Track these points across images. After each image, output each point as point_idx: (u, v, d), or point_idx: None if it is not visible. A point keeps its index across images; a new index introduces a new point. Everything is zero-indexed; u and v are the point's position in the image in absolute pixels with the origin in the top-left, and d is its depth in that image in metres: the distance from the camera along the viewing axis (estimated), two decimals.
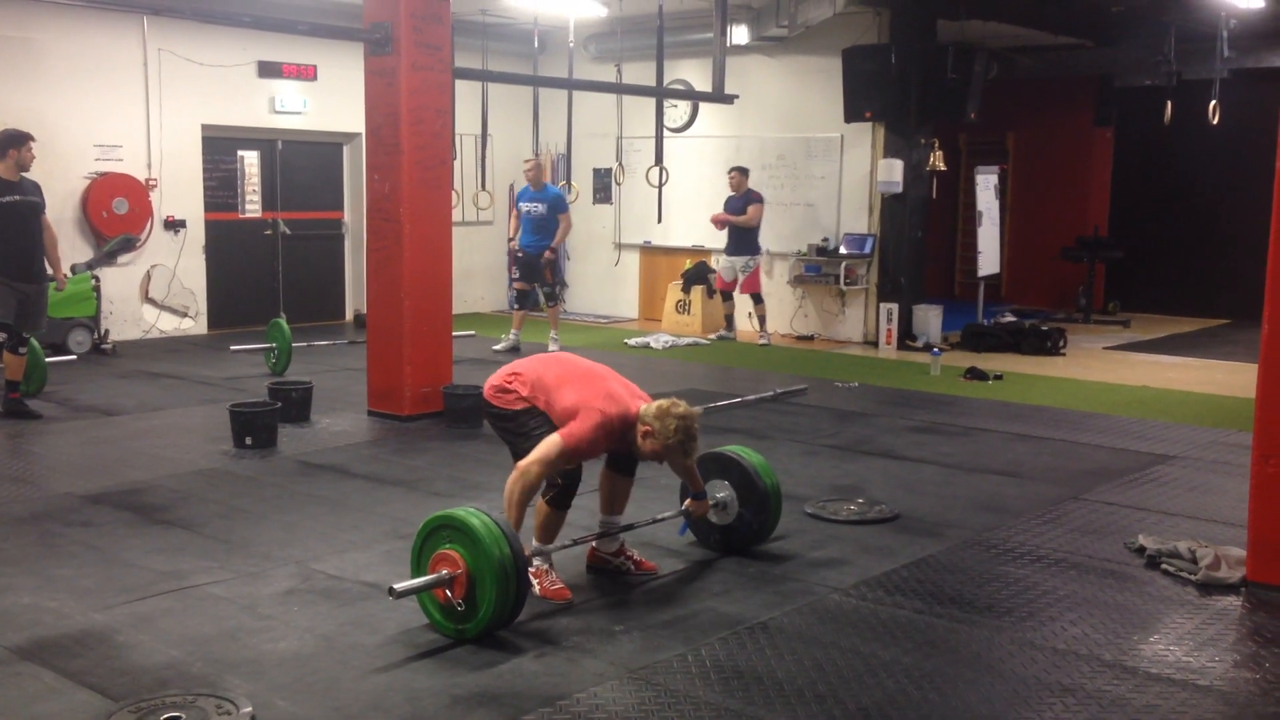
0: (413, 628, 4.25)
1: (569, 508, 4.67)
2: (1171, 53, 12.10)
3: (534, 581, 4.55)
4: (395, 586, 4.05)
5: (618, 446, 4.63)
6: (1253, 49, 12.21)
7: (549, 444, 4.42)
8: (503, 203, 14.00)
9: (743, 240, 12.19)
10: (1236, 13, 11.10)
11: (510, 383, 4.70)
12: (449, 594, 4.07)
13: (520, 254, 11.25)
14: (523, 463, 4.45)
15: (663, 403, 4.49)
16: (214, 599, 4.52)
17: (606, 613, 4.45)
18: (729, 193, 12.47)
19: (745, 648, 4.10)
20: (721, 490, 5.16)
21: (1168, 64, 12.15)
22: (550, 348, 10.95)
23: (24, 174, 7.66)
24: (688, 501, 5.06)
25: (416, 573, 4.24)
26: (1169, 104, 12.02)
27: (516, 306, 11.43)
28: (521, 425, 4.63)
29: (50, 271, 7.96)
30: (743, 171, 12.27)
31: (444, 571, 4.09)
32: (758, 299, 12.27)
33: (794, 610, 4.48)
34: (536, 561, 4.58)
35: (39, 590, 4.59)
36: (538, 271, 11.29)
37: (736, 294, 12.46)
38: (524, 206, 11.09)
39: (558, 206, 11.19)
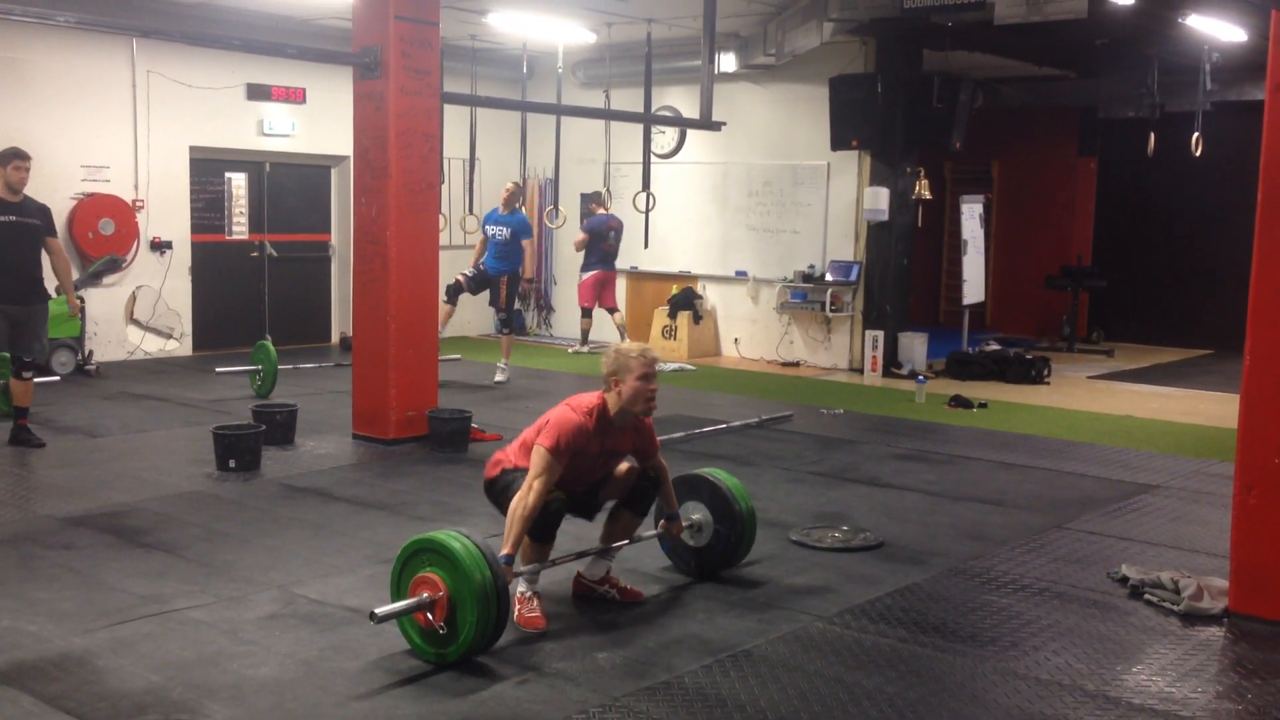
0: (394, 654, 4.23)
1: (551, 541, 4.62)
2: (1154, 85, 12.23)
3: (515, 608, 4.54)
4: (376, 611, 4.03)
5: (607, 441, 4.60)
6: (1235, 82, 12.34)
7: (535, 455, 4.44)
8: None
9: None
10: (1219, 46, 11.22)
11: (505, 458, 4.76)
12: (430, 617, 4.05)
13: (481, 267, 11.05)
14: (523, 484, 4.44)
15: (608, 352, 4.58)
16: (195, 623, 4.49)
17: (589, 639, 4.43)
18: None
19: (728, 675, 4.09)
20: (696, 512, 5.15)
21: (1151, 96, 12.28)
22: (497, 376, 10.86)
23: (27, 195, 7.56)
24: (661, 523, 5.05)
25: (397, 596, 4.22)
26: (1152, 135, 12.13)
27: (457, 293, 11.18)
28: (503, 480, 4.67)
29: (57, 293, 7.88)
30: (591, 197, 12.62)
31: (424, 595, 4.07)
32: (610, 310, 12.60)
33: (777, 638, 4.47)
34: (521, 587, 4.57)
35: (18, 613, 4.55)
36: (494, 291, 11.13)
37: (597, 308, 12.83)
38: (489, 229, 10.96)
39: (521, 233, 11.05)
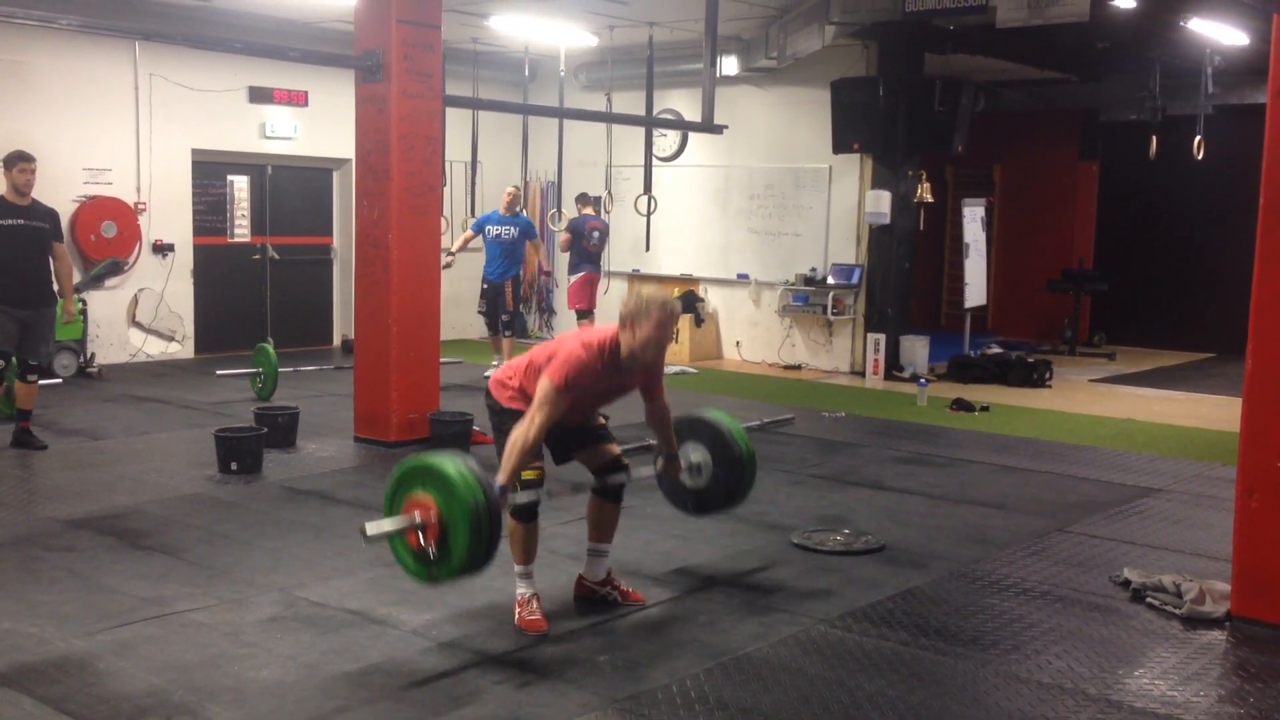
0: (396, 657, 4.23)
1: (536, 519, 4.55)
2: (1156, 88, 12.23)
3: (516, 610, 4.55)
4: (366, 529, 3.98)
5: (615, 379, 4.54)
6: (1237, 85, 12.34)
7: (540, 387, 4.37)
8: None
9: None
10: (1220, 49, 11.22)
11: (511, 378, 4.67)
12: (421, 539, 4.01)
13: (485, 284, 11.09)
14: (525, 416, 4.37)
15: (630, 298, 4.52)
16: (196, 626, 4.49)
17: (591, 642, 4.43)
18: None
19: (730, 679, 4.09)
20: (696, 454, 5.09)
21: (1153, 99, 12.27)
22: (488, 373, 10.86)
23: (35, 199, 7.56)
24: (659, 462, 5.00)
25: (390, 516, 4.15)
26: (1154, 139, 12.12)
27: (497, 332, 11.27)
28: (508, 417, 4.58)
29: (62, 297, 7.89)
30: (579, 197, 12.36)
31: (416, 516, 4.02)
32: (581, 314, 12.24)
33: (779, 641, 4.47)
34: (520, 589, 4.57)
35: (19, 616, 4.55)
36: (500, 301, 11.14)
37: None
38: (493, 230, 10.94)
39: (529, 234, 11.11)
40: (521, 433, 4.30)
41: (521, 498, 4.41)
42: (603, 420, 4.85)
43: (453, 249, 10.86)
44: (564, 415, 4.48)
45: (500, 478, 4.20)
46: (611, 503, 4.83)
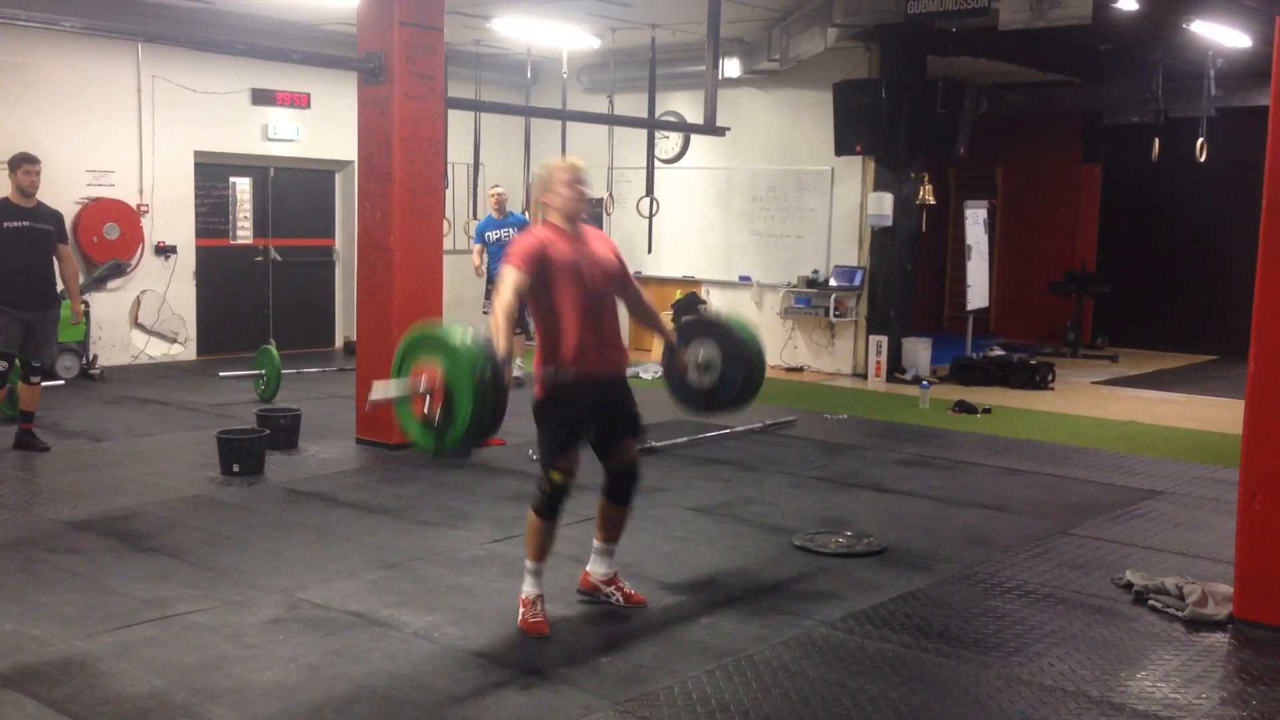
0: (398, 659, 4.23)
1: (558, 517, 4.57)
2: (1159, 91, 12.22)
3: (520, 610, 4.55)
4: (372, 391, 4.05)
5: (579, 246, 4.55)
6: (1239, 88, 12.33)
7: (501, 274, 4.48)
8: None
9: None
10: (1224, 52, 11.22)
11: None
12: (426, 405, 4.03)
13: (491, 284, 11.12)
14: (495, 292, 4.46)
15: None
16: (198, 628, 4.50)
17: (593, 644, 4.43)
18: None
19: (732, 681, 4.09)
20: (704, 351, 5.10)
21: (1155, 102, 12.27)
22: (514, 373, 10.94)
23: (40, 201, 7.57)
24: (665, 358, 5.05)
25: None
26: (1156, 141, 12.11)
27: (518, 332, 11.32)
28: (536, 409, 4.59)
29: (67, 298, 7.90)
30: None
31: (422, 382, 4.05)
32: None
33: (781, 643, 4.47)
34: (526, 589, 4.57)
35: (21, 617, 4.55)
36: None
37: None
38: (493, 235, 10.99)
39: (523, 230, 11.15)
40: (496, 301, 4.35)
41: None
42: (636, 411, 4.80)
43: (479, 266, 10.92)
44: (592, 290, 4.48)
45: (499, 350, 4.13)
46: (620, 505, 4.83)
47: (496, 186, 11.25)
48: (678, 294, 13.38)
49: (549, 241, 4.49)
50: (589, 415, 4.57)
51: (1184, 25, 10.24)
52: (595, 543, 4.88)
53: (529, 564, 4.58)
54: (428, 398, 4.03)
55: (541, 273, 4.45)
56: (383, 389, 4.10)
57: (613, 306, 4.69)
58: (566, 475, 4.50)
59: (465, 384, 3.97)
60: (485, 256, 11.10)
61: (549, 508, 4.54)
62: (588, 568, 4.92)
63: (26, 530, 5.79)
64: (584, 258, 4.56)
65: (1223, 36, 10.51)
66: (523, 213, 12.51)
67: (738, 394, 5.14)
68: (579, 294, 4.50)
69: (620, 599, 4.85)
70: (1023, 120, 14.99)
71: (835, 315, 12.29)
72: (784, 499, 6.81)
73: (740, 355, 5.08)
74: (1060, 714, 3.89)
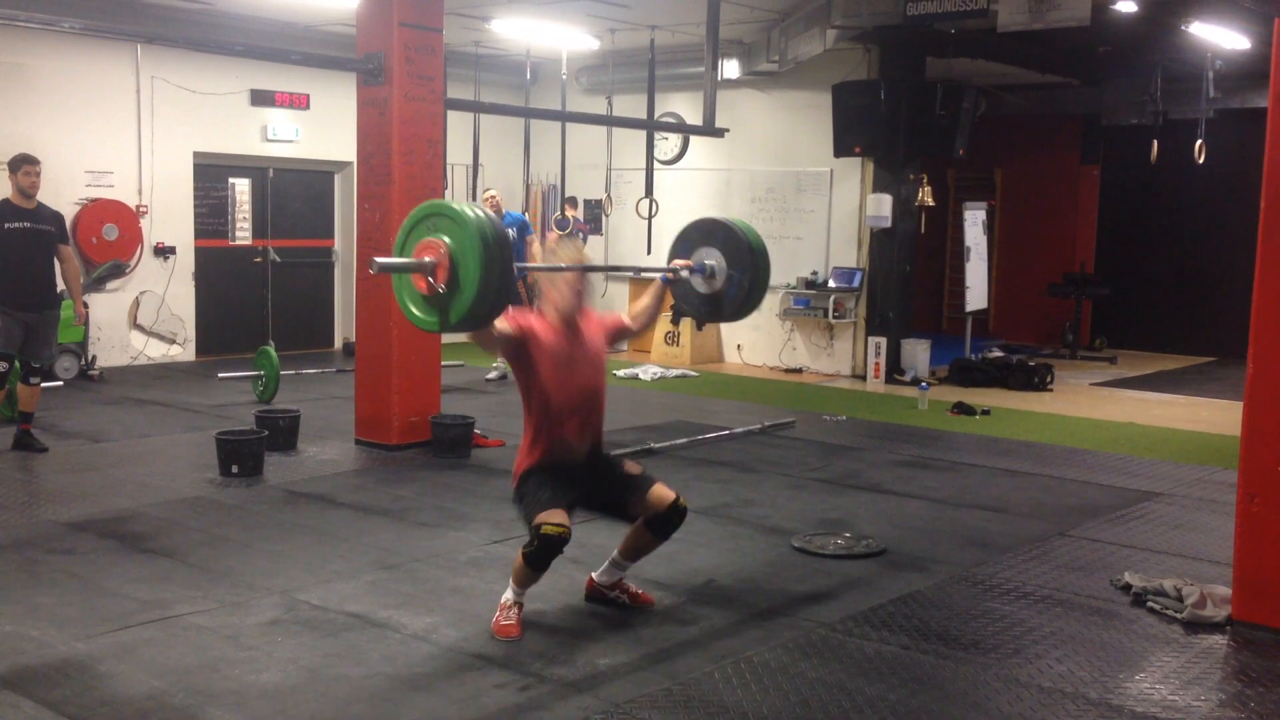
0: (397, 660, 4.23)
1: (544, 570, 4.48)
2: (1158, 92, 12.24)
3: (496, 611, 4.55)
4: (376, 259, 4.00)
5: (574, 336, 4.59)
6: (1238, 90, 12.34)
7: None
8: None
9: None
10: (1222, 53, 11.23)
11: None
12: (431, 280, 3.98)
13: None
14: None
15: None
16: (197, 629, 4.49)
17: (592, 645, 4.43)
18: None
19: (730, 682, 4.09)
20: (710, 258, 5.09)
21: (1154, 103, 12.28)
22: (490, 375, 11.12)
23: (40, 202, 7.58)
24: (670, 274, 5.08)
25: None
26: (1155, 143, 12.12)
27: None
28: (517, 491, 4.62)
29: (68, 299, 7.90)
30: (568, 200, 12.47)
31: (427, 258, 3.99)
32: None
33: (779, 645, 4.47)
34: (507, 595, 4.56)
35: (20, 618, 4.55)
36: (514, 299, 11.22)
37: None
38: None
39: (525, 231, 11.26)
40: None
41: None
42: (639, 469, 4.79)
43: None
44: (561, 408, 4.52)
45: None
46: (659, 538, 4.77)
47: (489, 190, 11.27)
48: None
49: (541, 329, 4.54)
50: (572, 488, 4.55)
51: (1183, 27, 10.25)
52: (614, 555, 4.83)
53: (514, 588, 4.55)
54: (431, 274, 3.98)
55: (525, 348, 4.49)
56: (386, 260, 4.04)
57: (599, 402, 4.72)
58: (559, 527, 4.36)
59: (473, 252, 3.91)
60: None
61: (539, 559, 4.42)
62: (594, 574, 4.90)
63: (25, 531, 5.79)
64: (574, 356, 4.59)
65: (1221, 38, 10.52)
66: (522, 212, 12.57)
67: (746, 294, 5.11)
68: (562, 387, 4.54)
69: (627, 599, 4.85)
70: (1021, 122, 15.00)
71: (834, 316, 12.29)
72: (783, 500, 6.82)
73: (742, 254, 5.06)
74: (1059, 716, 3.89)
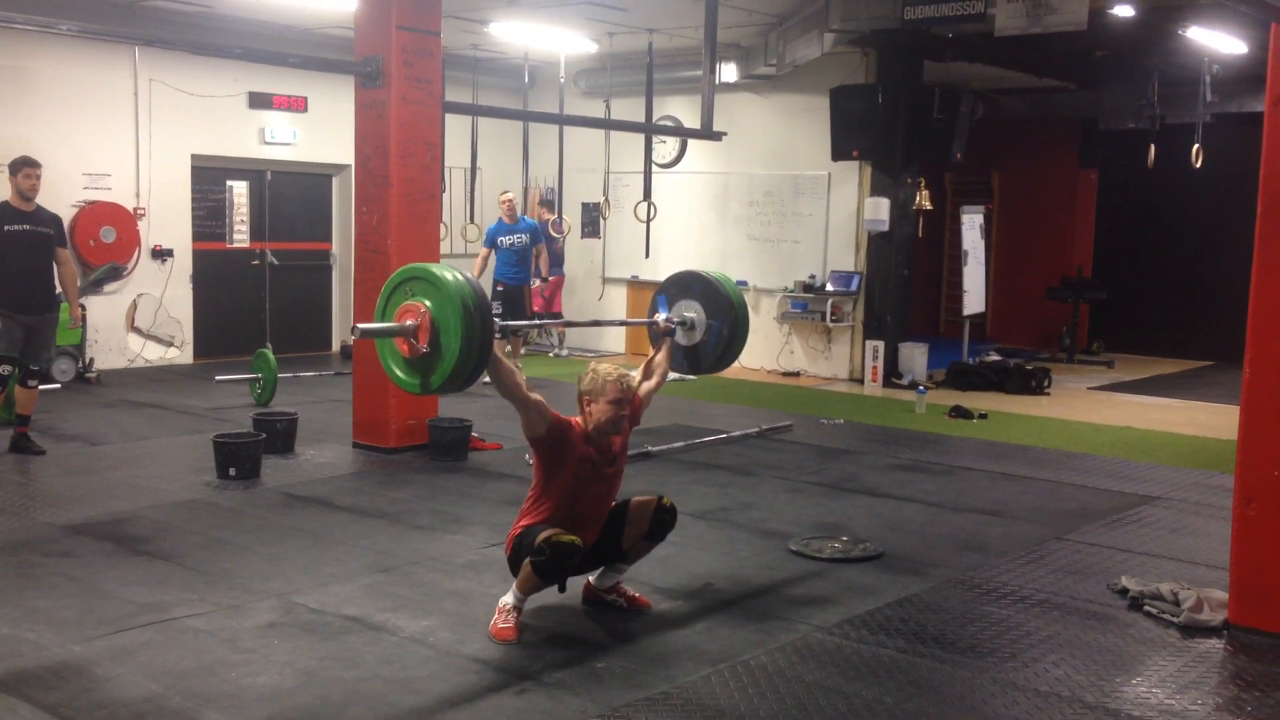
0: (394, 663, 4.23)
1: (553, 581, 4.53)
2: (1155, 97, 12.24)
3: (495, 614, 4.56)
4: (358, 325, 4.08)
5: (596, 449, 4.61)
6: (1235, 94, 12.36)
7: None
8: None
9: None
10: (1219, 58, 11.25)
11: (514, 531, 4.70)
12: (413, 343, 4.03)
13: (500, 287, 11.24)
14: None
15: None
16: (194, 632, 4.49)
17: (589, 649, 4.43)
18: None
19: (728, 686, 4.09)
20: (690, 310, 5.18)
21: (1151, 108, 12.29)
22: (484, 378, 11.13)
23: (39, 205, 7.58)
24: (651, 329, 5.19)
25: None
26: (1152, 147, 12.14)
27: (503, 337, 11.46)
28: (519, 541, 4.62)
29: (68, 301, 7.91)
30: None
31: (408, 322, 4.05)
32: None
33: (776, 649, 4.47)
34: (506, 599, 4.57)
35: (17, 621, 4.55)
36: (519, 305, 11.30)
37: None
38: (505, 240, 11.16)
39: (537, 237, 11.40)
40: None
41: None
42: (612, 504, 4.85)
43: (477, 273, 11.07)
44: (582, 518, 4.58)
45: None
46: (654, 541, 4.85)
47: (507, 193, 11.30)
48: None
49: (576, 438, 4.56)
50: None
51: (1180, 31, 10.26)
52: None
53: (516, 593, 4.55)
54: (413, 337, 4.03)
55: (555, 446, 4.52)
56: (368, 326, 4.11)
57: (611, 498, 4.79)
58: (572, 538, 4.43)
59: (453, 316, 3.97)
60: (492, 261, 11.18)
61: (551, 570, 4.45)
62: (590, 577, 4.91)
63: (22, 534, 5.78)
64: (599, 475, 4.64)
65: (1219, 43, 10.54)
66: (534, 218, 12.56)
67: (725, 343, 5.20)
68: (580, 501, 4.61)
69: (624, 603, 4.85)
70: (1019, 126, 15.02)
71: (832, 320, 12.30)
72: (780, 504, 6.82)
73: (721, 304, 5.16)
74: (1055, 719, 3.89)
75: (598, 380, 4.55)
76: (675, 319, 5.22)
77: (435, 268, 4.13)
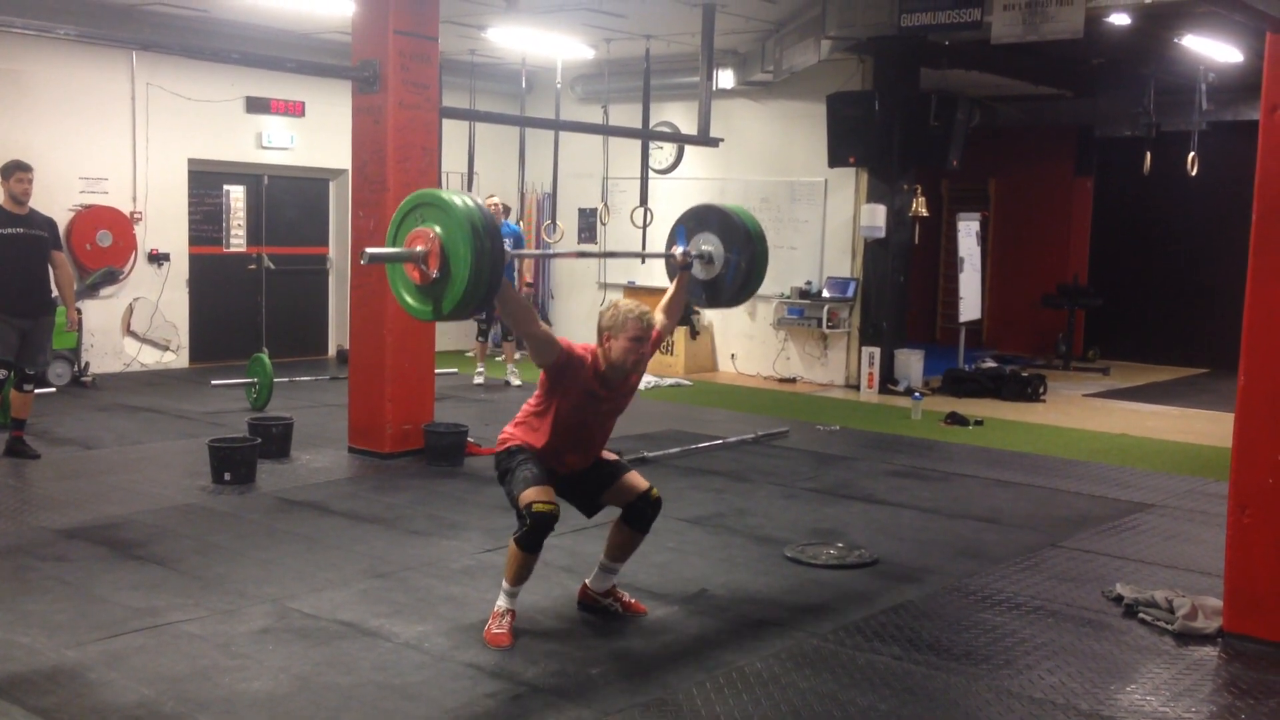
0: (389, 669, 4.22)
1: (538, 552, 4.52)
2: (1151, 104, 12.28)
3: (489, 620, 4.55)
4: (367, 250, 4.07)
5: (604, 387, 4.60)
6: (1230, 102, 12.40)
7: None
8: None
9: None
10: (1215, 66, 11.28)
11: (509, 434, 4.70)
12: (424, 269, 4.04)
13: None
14: None
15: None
16: (188, 637, 4.48)
17: (584, 654, 4.42)
18: None
19: (722, 692, 4.08)
20: (707, 244, 5.13)
21: (1147, 115, 12.32)
22: (512, 381, 11.35)
23: (33, 208, 7.59)
24: (669, 261, 5.13)
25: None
26: (1148, 155, 12.16)
27: (481, 340, 11.57)
28: (504, 463, 4.62)
29: (61, 305, 7.91)
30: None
31: (418, 248, 4.05)
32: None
33: (771, 655, 4.46)
34: (500, 603, 4.56)
35: (11, 626, 4.54)
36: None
37: None
38: None
39: (520, 242, 11.45)
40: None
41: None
42: (614, 456, 4.86)
43: None
44: (566, 441, 4.57)
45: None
46: (638, 532, 4.82)
47: (493, 197, 11.30)
48: None
49: (584, 366, 4.54)
50: (555, 476, 4.59)
51: (1175, 40, 10.29)
52: (602, 559, 4.86)
53: (506, 585, 4.56)
54: (423, 263, 4.03)
55: (561, 374, 4.52)
56: (377, 250, 4.10)
57: (607, 435, 4.80)
58: (547, 504, 4.42)
59: (462, 240, 3.97)
60: None
61: (532, 541, 4.46)
62: (587, 581, 4.90)
63: (16, 538, 5.77)
64: (602, 410, 4.64)
65: (1214, 51, 10.56)
66: (517, 221, 12.59)
67: (744, 277, 5.16)
68: (580, 428, 4.61)
69: (620, 608, 4.85)
70: (1015, 133, 15.04)
71: (828, 326, 12.31)
72: (776, 510, 6.82)
73: (738, 237, 5.11)
74: None
75: (619, 316, 4.52)
76: (693, 252, 5.15)
77: (444, 193, 4.13)
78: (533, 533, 4.43)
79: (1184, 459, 8.79)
